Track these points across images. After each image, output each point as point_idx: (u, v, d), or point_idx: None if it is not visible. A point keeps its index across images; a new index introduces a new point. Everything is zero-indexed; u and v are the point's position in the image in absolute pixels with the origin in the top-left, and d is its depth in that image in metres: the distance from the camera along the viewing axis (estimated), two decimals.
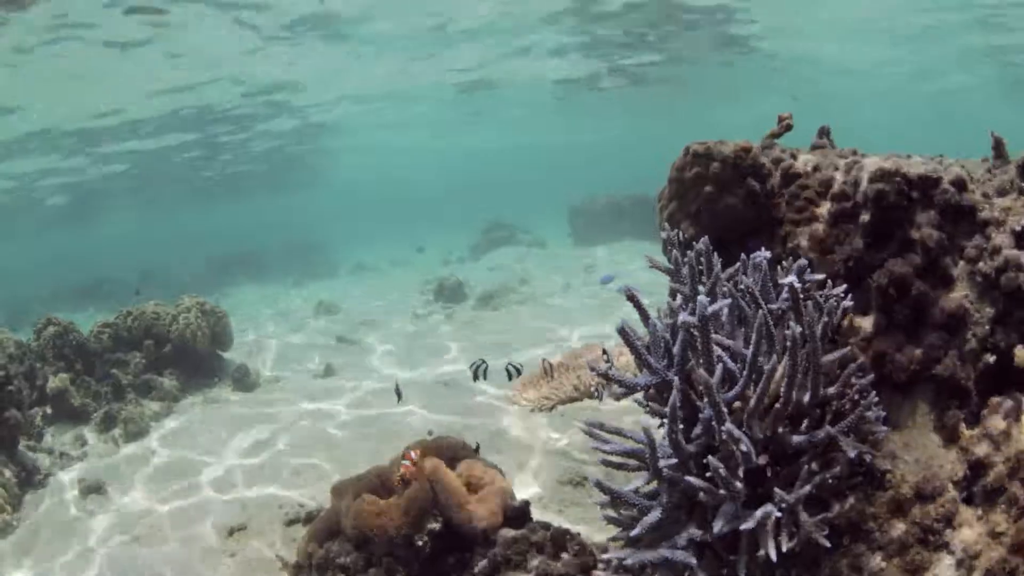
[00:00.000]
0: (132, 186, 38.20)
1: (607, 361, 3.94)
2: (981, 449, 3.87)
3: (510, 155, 61.92)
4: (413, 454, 4.99)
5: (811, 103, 23.82)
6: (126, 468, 9.55)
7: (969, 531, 3.78)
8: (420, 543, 4.90)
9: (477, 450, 5.50)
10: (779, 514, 3.63)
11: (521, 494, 5.54)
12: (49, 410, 11.15)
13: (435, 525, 4.92)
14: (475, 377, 6.96)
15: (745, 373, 3.78)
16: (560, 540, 4.85)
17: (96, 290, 29.37)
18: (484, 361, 7.06)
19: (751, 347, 3.76)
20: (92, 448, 10.35)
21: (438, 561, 4.93)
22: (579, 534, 4.91)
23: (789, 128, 4.81)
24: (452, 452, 5.25)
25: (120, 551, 7.64)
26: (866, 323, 4.25)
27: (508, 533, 4.86)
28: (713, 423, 3.69)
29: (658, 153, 4.96)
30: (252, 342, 16.21)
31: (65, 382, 11.32)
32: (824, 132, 5.05)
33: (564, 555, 4.79)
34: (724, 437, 3.62)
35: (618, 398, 4.29)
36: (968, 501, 3.87)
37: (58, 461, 9.90)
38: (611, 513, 4.05)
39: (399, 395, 7.97)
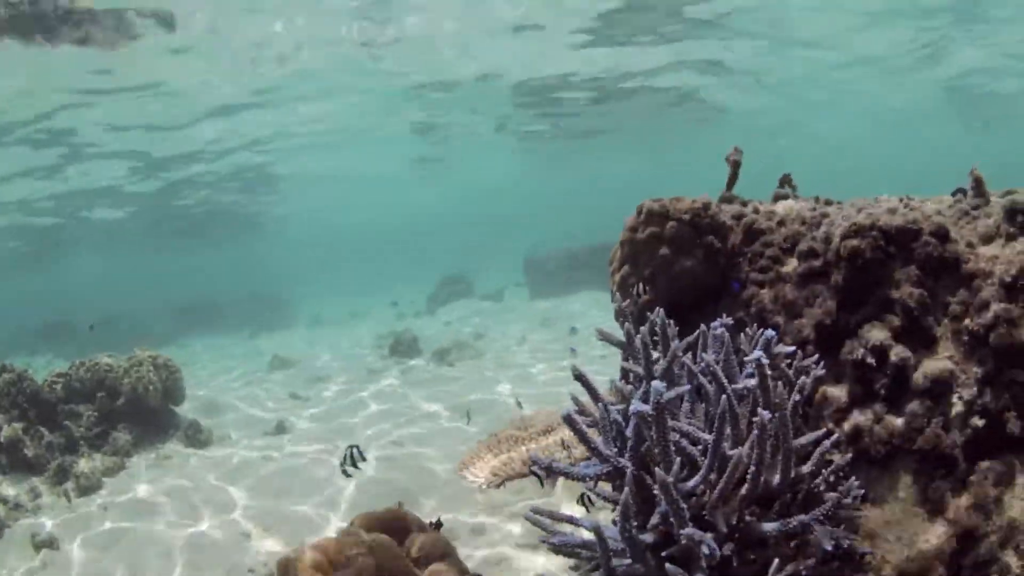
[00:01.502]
0: (87, 233, 38.15)
1: (566, 448, 3.53)
2: (970, 520, 3.51)
3: (466, 207, 62.33)
4: (360, 526, 4.61)
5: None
6: (78, 523, 9.39)
7: None
8: None
9: (439, 526, 5.09)
10: None
11: None
12: (3, 459, 10.97)
13: None
14: (344, 470, 6.78)
15: (707, 461, 3.36)
16: None
17: (53, 333, 29.10)
18: (355, 447, 6.84)
19: (714, 434, 3.34)
20: (45, 501, 10.25)
21: None
22: None
23: (738, 165, 4.39)
24: (399, 523, 4.85)
25: None
26: (840, 393, 3.85)
27: None
28: (671, 520, 3.27)
29: (615, 200, 4.60)
30: (205, 397, 16.13)
31: (18, 431, 11.15)
32: (786, 181, 4.66)
33: None
34: (684, 542, 3.20)
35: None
36: None
37: (13, 512, 9.81)
38: None
39: (354, 463, 7.63)
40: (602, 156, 37.66)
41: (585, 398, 3.75)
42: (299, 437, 12.24)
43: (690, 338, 3.88)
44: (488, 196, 57.02)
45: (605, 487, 3.81)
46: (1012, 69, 25.93)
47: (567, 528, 3.68)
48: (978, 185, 4.10)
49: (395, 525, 4.85)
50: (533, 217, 58.56)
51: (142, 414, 12.55)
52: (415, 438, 11.33)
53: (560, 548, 3.63)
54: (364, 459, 7.17)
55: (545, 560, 6.66)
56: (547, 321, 21.87)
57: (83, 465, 10.82)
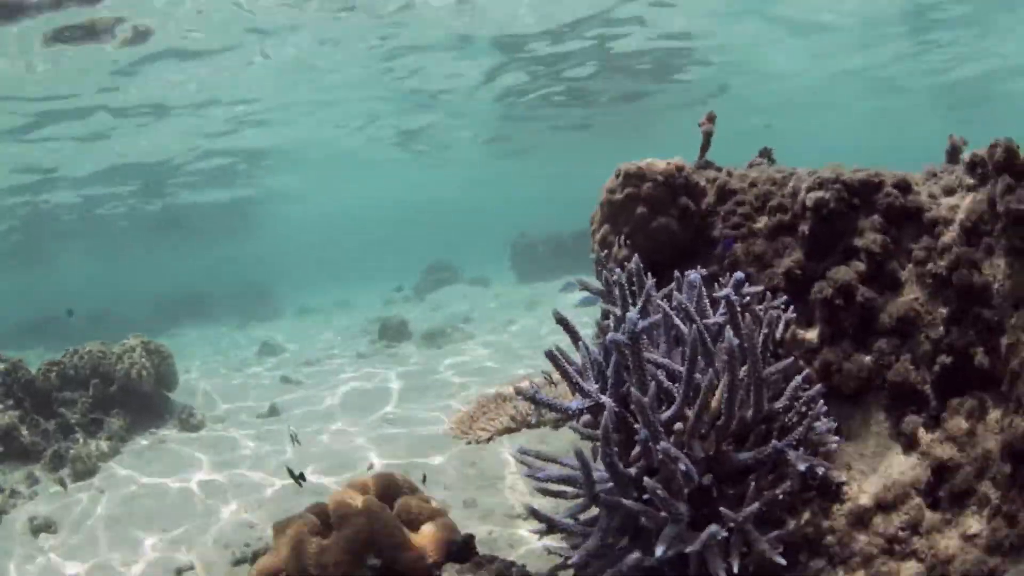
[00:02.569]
0: (77, 228, 38.51)
1: (532, 387, 3.75)
2: (945, 452, 3.69)
3: (451, 193, 62.24)
4: (352, 490, 4.82)
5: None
6: (75, 507, 9.47)
7: (939, 536, 3.60)
8: None
9: (423, 480, 5.30)
10: (725, 533, 3.42)
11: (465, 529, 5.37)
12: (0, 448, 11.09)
13: (376, 562, 4.70)
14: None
15: (682, 391, 3.57)
16: (506, 573, 4.63)
17: (44, 328, 29.16)
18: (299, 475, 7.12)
19: (687, 363, 3.56)
20: (42, 487, 10.29)
21: None
22: (524, 566, 4.68)
23: (710, 134, 4.65)
24: (393, 487, 5.06)
25: None
26: (811, 335, 4.07)
27: (452, 568, 4.66)
28: (650, 444, 3.48)
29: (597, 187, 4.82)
30: (197, 383, 16.11)
31: (14, 420, 11.27)
32: (765, 153, 4.90)
33: None
34: (661, 457, 3.41)
35: (556, 426, 4.09)
36: (933, 506, 3.67)
37: (10, 500, 9.84)
38: (550, 543, 3.84)
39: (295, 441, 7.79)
40: (585, 147, 37.50)
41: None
42: (291, 419, 12.19)
43: (666, 289, 4.12)
44: (471, 184, 57.02)
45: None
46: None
47: (552, 467, 3.88)
48: (953, 151, 4.34)
49: (387, 490, 5.09)
50: (517, 204, 58.18)
51: (136, 400, 12.63)
52: (406, 415, 11.44)
53: (546, 482, 3.84)
54: (298, 443, 7.24)
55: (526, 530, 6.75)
56: (533, 304, 21.89)
57: (79, 451, 10.86)
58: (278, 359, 19.48)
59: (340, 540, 4.68)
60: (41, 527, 8.89)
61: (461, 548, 4.85)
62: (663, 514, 3.45)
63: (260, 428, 12.09)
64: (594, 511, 3.78)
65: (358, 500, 4.84)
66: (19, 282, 50.73)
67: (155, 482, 10.01)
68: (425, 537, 4.73)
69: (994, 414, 3.67)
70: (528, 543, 6.47)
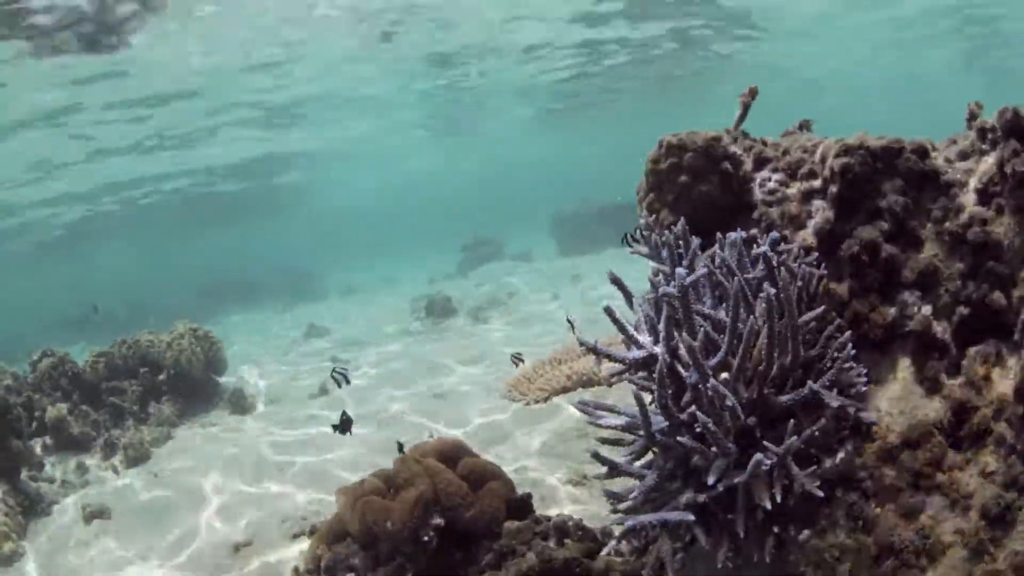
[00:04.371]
0: (120, 220, 38.82)
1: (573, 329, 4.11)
2: (964, 395, 4.04)
3: (491, 169, 62.02)
4: (414, 454, 5.15)
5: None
6: (129, 493, 9.72)
7: (960, 473, 3.93)
8: (426, 539, 5.02)
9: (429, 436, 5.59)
10: (769, 463, 3.78)
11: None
12: (49, 440, 11.33)
13: (439, 521, 5.04)
14: (337, 378, 7.19)
15: (727, 339, 3.94)
16: (563, 527, 4.99)
17: (86, 323, 29.40)
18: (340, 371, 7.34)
19: (730, 313, 3.93)
20: (94, 475, 10.55)
21: (445, 556, 5.05)
22: (581, 520, 5.04)
23: (747, 106, 5.00)
24: (453, 452, 5.39)
25: (130, 571, 7.90)
26: (841, 288, 4.42)
27: (512, 525, 4.99)
28: (699, 386, 3.84)
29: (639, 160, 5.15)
30: (246, 367, 16.37)
31: (63, 411, 11.51)
32: (804, 125, 5.25)
33: (567, 541, 4.92)
34: (711, 394, 3.77)
35: (611, 383, 4.45)
36: (955, 446, 4.02)
37: (60, 489, 10.09)
38: (610, 487, 4.19)
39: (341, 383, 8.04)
40: (622, 121, 37.54)
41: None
42: (342, 398, 12.43)
43: (710, 250, 4.49)
44: (512, 159, 56.89)
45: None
46: None
47: (611, 415, 4.24)
48: (971, 117, 4.69)
49: (449, 452, 5.43)
50: (558, 177, 58.17)
51: (186, 386, 12.89)
52: (457, 391, 11.67)
53: (605, 428, 4.21)
54: (348, 381, 7.54)
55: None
56: (577, 277, 22.14)
57: (130, 438, 11.08)
58: (326, 340, 19.81)
59: (404, 501, 5.01)
60: (95, 514, 9.12)
61: (519, 506, 5.20)
62: (713, 450, 3.82)
63: (311, 408, 12.37)
64: (648, 457, 4.15)
65: (421, 463, 5.17)
66: (61, 277, 50.92)
67: (208, 465, 10.21)
68: (486, 496, 5.06)
69: (1008, 360, 4.02)
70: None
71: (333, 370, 7.35)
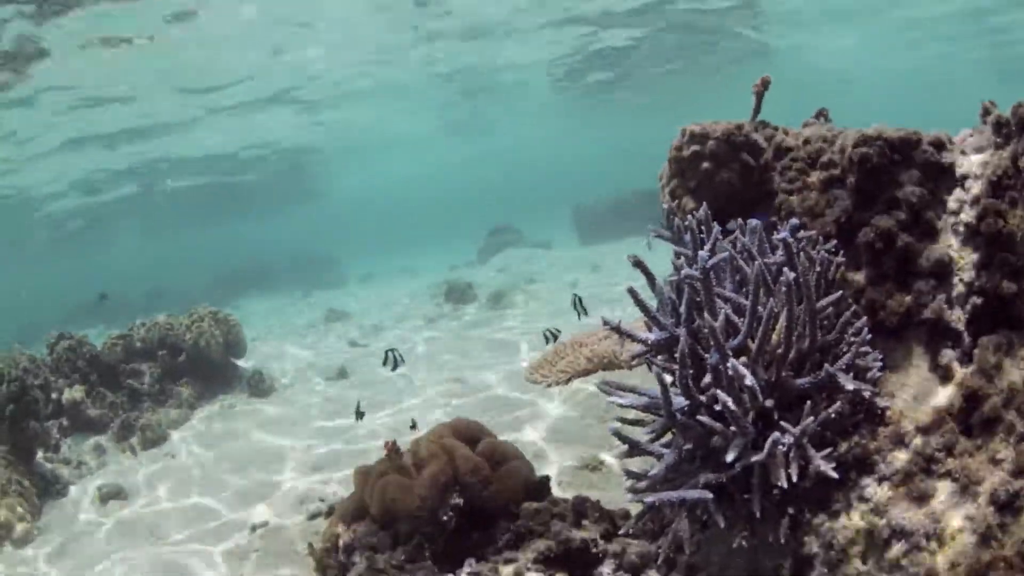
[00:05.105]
0: (138, 206, 39.06)
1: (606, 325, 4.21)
2: (975, 383, 4.11)
3: (512, 157, 62.03)
4: (434, 434, 5.23)
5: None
6: (145, 474, 9.82)
7: (970, 459, 4.01)
8: (445, 518, 5.09)
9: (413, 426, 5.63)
10: (786, 443, 3.87)
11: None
12: (65, 422, 11.40)
13: (458, 500, 5.11)
14: (392, 365, 7.22)
15: (747, 322, 4.04)
16: (581, 508, 5.07)
17: (101, 308, 29.47)
18: (394, 350, 7.40)
19: (750, 297, 4.02)
20: (111, 457, 10.71)
21: (463, 536, 5.13)
22: (599, 501, 5.12)
23: (761, 96, 5.08)
24: (472, 432, 5.47)
25: (143, 552, 7.93)
26: (858, 276, 4.52)
27: (530, 506, 5.07)
28: (719, 367, 3.93)
29: (661, 149, 5.25)
30: (264, 350, 16.56)
31: (80, 393, 11.62)
32: (821, 114, 5.34)
33: (585, 522, 5.01)
34: (731, 374, 3.86)
35: (631, 366, 4.54)
36: (966, 433, 4.10)
37: (76, 471, 10.19)
38: (629, 465, 4.29)
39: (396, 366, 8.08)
40: (642, 111, 37.57)
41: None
42: (361, 381, 12.56)
43: (731, 236, 4.59)
44: (533, 149, 56.77)
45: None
46: None
47: (631, 395, 4.33)
48: (985, 113, 4.79)
49: (469, 433, 5.51)
50: (579, 167, 58.10)
51: (205, 368, 12.95)
52: (478, 371, 11.72)
53: (627, 408, 4.30)
54: (403, 361, 7.59)
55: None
56: (597, 267, 22.18)
57: (147, 419, 11.18)
58: (344, 324, 19.96)
59: (424, 480, 5.08)
60: (110, 495, 9.24)
61: (538, 487, 5.29)
62: (732, 429, 3.91)
63: (329, 391, 12.50)
64: (668, 437, 4.25)
65: (438, 443, 5.25)
66: (79, 264, 50.99)
67: (226, 446, 10.36)
68: (505, 477, 5.14)
69: (1020, 351, 4.11)
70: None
71: (390, 350, 7.40)
